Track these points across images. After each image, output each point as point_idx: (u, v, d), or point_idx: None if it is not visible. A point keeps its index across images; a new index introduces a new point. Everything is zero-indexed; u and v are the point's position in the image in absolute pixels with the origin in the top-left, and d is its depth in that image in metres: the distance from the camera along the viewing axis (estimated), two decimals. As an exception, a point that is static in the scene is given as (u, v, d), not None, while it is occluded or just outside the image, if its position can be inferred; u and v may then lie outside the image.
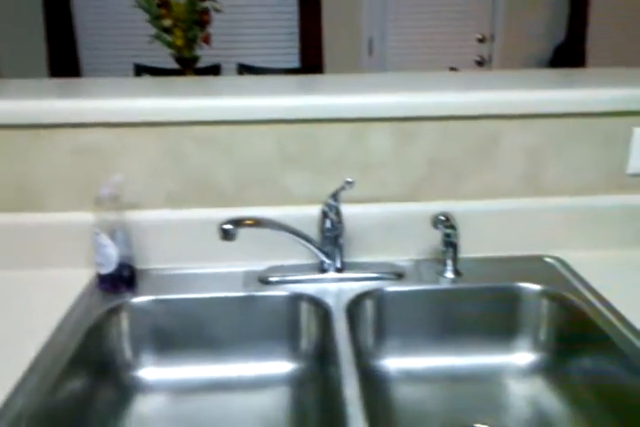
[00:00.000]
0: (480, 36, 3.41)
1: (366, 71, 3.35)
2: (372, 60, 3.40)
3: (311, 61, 3.32)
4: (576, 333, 0.79)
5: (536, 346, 0.86)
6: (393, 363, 0.85)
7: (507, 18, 3.37)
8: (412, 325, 0.85)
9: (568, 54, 3.31)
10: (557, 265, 0.91)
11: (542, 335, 0.85)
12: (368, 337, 0.84)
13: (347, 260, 0.91)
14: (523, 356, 0.86)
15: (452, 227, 0.87)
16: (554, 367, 0.82)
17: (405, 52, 3.39)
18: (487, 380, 0.82)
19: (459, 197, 0.95)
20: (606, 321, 0.75)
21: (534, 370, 0.84)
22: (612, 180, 0.96)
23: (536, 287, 0.84)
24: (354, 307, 0.81)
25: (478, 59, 3.44)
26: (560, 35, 3.40)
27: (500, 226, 0.95)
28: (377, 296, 0.84)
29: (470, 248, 0.95)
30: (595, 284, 0.85)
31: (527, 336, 0.86)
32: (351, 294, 0.82)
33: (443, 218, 0.86)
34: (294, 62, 3.37)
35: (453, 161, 0.94)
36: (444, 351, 0.86)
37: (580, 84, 0.99)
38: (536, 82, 1.01)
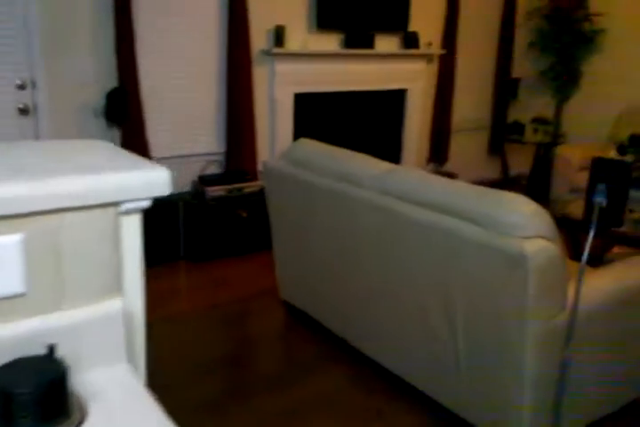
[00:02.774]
0: (20, 82, 3.02)
1: None
2: None
3: None
4: None
5: None
6: None
7: (47, 63, 3.07)
8: None
9: (122, 99, 3.20)
10: None
11: None
12: None
13: None
14: None
15: None
16: None
17: None
18: None
19: None
20: None
21: None
22: None
23: None
24: None
25: (21, 106, 3.05)
26: (112, 80, 3.28)
27: None
28: None
29: None
30: None
31: None
32: None
33: None
34: None
35: None
36: None
37: None
38: None
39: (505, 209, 1.70)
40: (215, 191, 3.45)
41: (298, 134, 4.13)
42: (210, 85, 3.70)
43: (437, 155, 4.91)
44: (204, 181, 3.54)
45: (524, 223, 1.65)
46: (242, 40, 3.62)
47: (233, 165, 3.81)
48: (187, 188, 3.68)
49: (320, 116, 4.23)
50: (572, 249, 2.65)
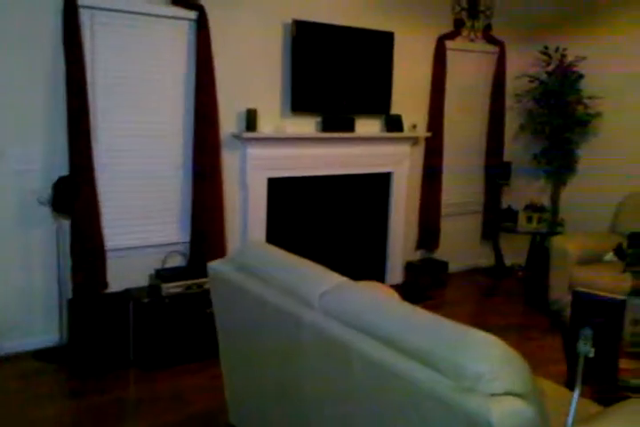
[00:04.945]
0: (-44, 171, 2.79)
1: None
2: None
3: None
4: None
5: None
6: None
7: (-12, 150, 2.86)
8: None
9: (70, 189, 2.94)
10: None
11: None
12: None
13: None
14: None
15: None
16: None
17: None
18: None
19: None
20: None
21: None
22: None
23: None
24: None
25: (-44, 198, 2.80)
26: (63, 167, 3.04)
27: None
28: None
29: None
30: None
31: None
32: None
33: None
34: None
35: None
36: None
37: None
38: None
39: (467, 353, 1.33)
40: (172, 287, 3.11)
41: (272, 222, 3.84)
42: (174, 171, 3.46)
43: (427, 241, 4.58)
44: (161, 275, 3.21)
45: (490, 375, 1.28)
46: (210, 124, 3.42)
47: (198, 257, 3.49)
48: (144, 282, 3.35)
49: (297, 202, 3.96)
50: (570, 370, 2.24)
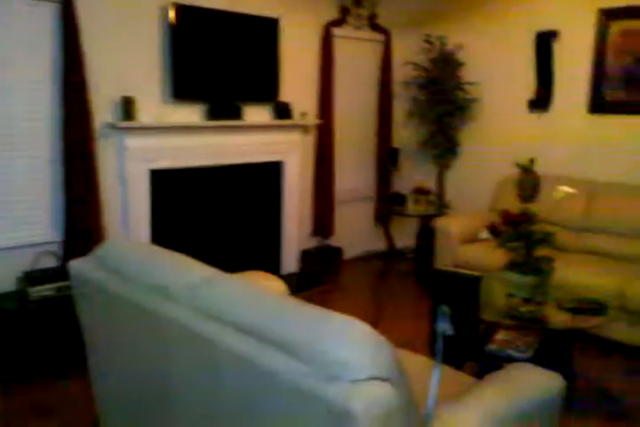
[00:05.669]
0: None
1: None
2: None
3: None
4: None
5: None
6: None
7: None
8: None
9: None
10: None
11: None
12: None
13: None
14: None
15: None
16: None
17: None
18: None
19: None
20: None
21: None
22: None
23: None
24: None
25: None
26: None
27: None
28: None
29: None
30: None
31: None
32: None
33: None
34: None
35: None
36: None
37: None
38: None
39: (329, 340, 1.28)
40: (41, 291, 2.85)
41: (158, 216, 3.65)
42: (40, 165, 3.17)
43: (322, 228, 4.57)
44: (30, 278, 2.94)
45: (354, 361, 1.24)
46: (80, 112, 3.16)
47: (73, 257, 3.23)
48: (12, 287, 3.05)
49: (184, 194, 3.79)
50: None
